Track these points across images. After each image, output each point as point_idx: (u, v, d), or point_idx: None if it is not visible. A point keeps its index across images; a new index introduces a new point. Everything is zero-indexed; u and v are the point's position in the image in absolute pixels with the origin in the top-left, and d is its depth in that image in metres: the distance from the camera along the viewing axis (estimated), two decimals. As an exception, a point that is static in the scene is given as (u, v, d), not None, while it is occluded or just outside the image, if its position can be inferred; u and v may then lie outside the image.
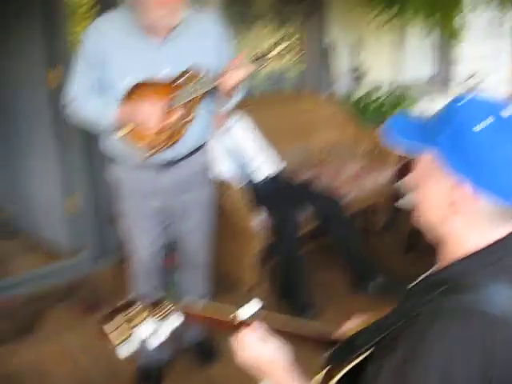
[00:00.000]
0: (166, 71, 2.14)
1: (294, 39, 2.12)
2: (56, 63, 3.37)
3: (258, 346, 1.21)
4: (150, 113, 2.05)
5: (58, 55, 3.36)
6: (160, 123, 2.09)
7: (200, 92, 2.11)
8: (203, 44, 2.21)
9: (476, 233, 1.02)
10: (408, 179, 1.12)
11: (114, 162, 2.35)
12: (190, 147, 2.29)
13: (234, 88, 2.12)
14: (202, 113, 2.24)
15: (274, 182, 3.53)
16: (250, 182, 3.42)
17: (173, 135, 2.16)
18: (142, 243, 2.43)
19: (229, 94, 2.18)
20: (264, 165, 3.57)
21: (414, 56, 5.52)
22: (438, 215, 1.05)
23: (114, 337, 1.03)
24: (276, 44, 2.12)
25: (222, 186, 3.09)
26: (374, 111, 4.65)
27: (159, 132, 2.11)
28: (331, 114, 4.37)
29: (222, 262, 3.39)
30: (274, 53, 2.11)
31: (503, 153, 0.96)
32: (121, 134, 2.16)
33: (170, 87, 2.13)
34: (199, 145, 2.35)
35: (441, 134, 1.01)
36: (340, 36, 4.73)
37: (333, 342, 1.35)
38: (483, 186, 0.97)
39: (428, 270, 1.15)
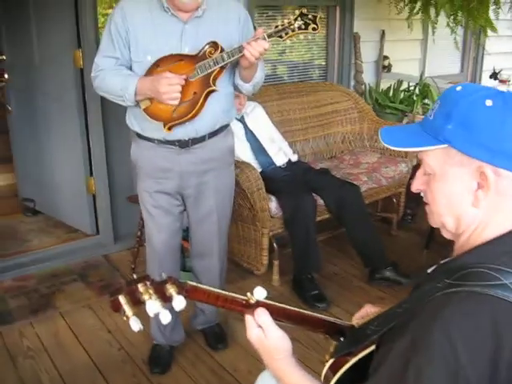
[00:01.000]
0: (187, 50, 2.17)
1: (313, 15, 2.11)
2: (82, 44, 3.41)
3: (265, 331, 1.20)
4: (170, 83, 2.06)
5: (85, 36, 3.39)
6: (180, 94, 2.10)
7: (222, 63, 2.12)
8: (226, 26, 2.25)
9: (500, 217, 1.01)
10: (417, 181, 1.10)
11: (136, 139, 2.38)
12: (210, 125, 2.30)
13: (257, 60, 2.11)
14: (222, 93, 2.25)
15: (290, 169, 3.53)
16: (265, 168, 3.43)
17: (193, 106, 2.17)
18: (158, 226, 2.44)
19: (251, 68, 2.19)
20: (279, 152, 3.57)
21: (441, 52, 5.46)
22: (459, 209, 1.03)
23: (124, 310, 1.04)
24: (296, 18, 2.10)
25: (241, 167, 3.11)
26: (405, 100, 4.61)
27: (180, 102, 2.13)
28: (351, 105, 4.35)
29: (235, 245, 3.43)
30: (295, 26, 2.10)
31: None
32: (142, 106, 2.19)
33: (193, 60, 2.15)
34: (220, 126, 2.35)
35: (447, 125, 1.00)
36: (365, 28, 4.70)
37: (341, 332, 1.35)
38: (504, 164, 0.96)
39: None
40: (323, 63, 4.82)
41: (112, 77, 2.20)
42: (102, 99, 3.42)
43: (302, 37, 2.18)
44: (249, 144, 3.43)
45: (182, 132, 2.24)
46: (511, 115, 0.96)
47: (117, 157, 3.75)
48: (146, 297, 1.04)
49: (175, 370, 2.60)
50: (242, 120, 3.44)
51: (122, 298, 1.05)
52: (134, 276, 1.09)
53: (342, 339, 1.33)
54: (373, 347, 1.19)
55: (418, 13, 4.18)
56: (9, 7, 3.81)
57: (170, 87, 2.06)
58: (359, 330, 1.27)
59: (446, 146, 1.01)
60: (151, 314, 1.03)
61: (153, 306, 1.03)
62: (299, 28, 2.11)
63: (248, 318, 1.20)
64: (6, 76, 4.07)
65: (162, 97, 2.09)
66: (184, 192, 2.41)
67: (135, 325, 1.04)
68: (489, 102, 0.97)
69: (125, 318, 1.05)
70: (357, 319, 1.41)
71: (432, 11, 4.15)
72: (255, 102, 3.59)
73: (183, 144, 2.29)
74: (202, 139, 2.31)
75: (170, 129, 2.20)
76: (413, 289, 1.16)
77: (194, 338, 2.82)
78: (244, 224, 3.34)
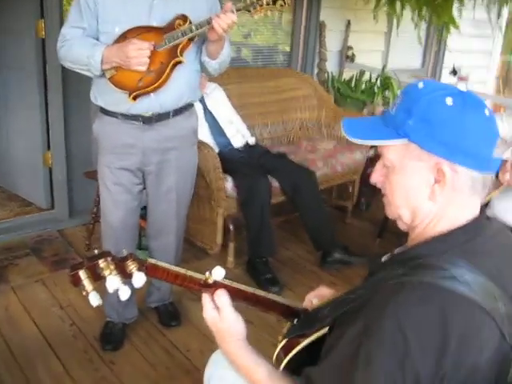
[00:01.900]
0: (155, 24, 2.18)
1: None
2: (45, 14, 3.34)
3: (220, 313, 1.23)
4: (139, 47, 2.07)
5: (48, 6, 3.32)
6: (147, 62, 2.11)
7: (190, 34, 2.14)
8: (194, 3, 2.25)
9: (454, 211, 1.05)
10: (377, 173, 1.14)
11: (99, 114, 2.37)
12: (174, 100, 2.30)
13: (225, 32, 2.13)
14: (188, 69, 2.27)
15: (247, 151, 3.57)
16: (223, 149, 3.45)
17: (159, 76, 2.17)
18: (115, 203, 2.43)
19: (218, 42, 2.22)
20: (237, 134, 3.60)
21: (403, 45, 5.55)
22: (416, 202, 1.07)
23: (84, 285, 1.05)
24: None
25: (199, 146, 3.10)
26: (366, 90, 4.67)
27: (146, 72, 2.13)
28: (311, 92, 4.40)
29: (189, 223, 3.44)
30: (263, 1, 2.13)
31: (473, 122, 1.00)
32: (108, 75, 2.18)
33: (161, 31, 2.16)
34: (184, 103, 2.36)
35: (408, 120, 1.03)
36: (331, 17, 4.74)
37: (295, 314, 1.39)
38: (461, 161, 1.00)
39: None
40: (287, 49, 4.84)
41: (78, 46, 2.18)
42: (64, 71, 3.37)
43: (269, 13, 2.22)
44: (207, 124, 3.44)
45: (146, 105, 2.24)
46: (470, 114, 1.00)
47: (76, 131, 3.69)
48: (106, 272, 1.05)
49: (127, 348, 2.60)
50: (201, 100, 3.43)
51: (82, 273, 1.06)
52: (95, 251, 1.10)
53: (295, 321, 1.37)
54: (325, 330, 1.23)
55: (384, 5, 4.24)
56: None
57: (138, 51, 2.07)
58: (313, 313, 1.31)
59: (405, 140, 1.04)
60: (111, 290, 1.04)
61: (113, 281, 1.04)
62: (267, 3, 2.15)
63: (205, 297, 1.23)
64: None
65: (130, 61, 2.09)
66: (145, 169, 2.41)
67: (94, 300, 1.05)
68: (449, 101, 1.00)
69: (84, 293, 1.06)
70: (311, 298, 1.45)
71: (398, 5, 4.21)
72: (215, 83, 3.60)
73: (147, 120, 2.29)
74: (166, 116, 2.31)
75: (134, 98, 2.19)
76: (367, 276, 1.20)
77: (147, 316, 2.83)
78: (199, 203, 3.35)
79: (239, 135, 3.61)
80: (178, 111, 2.35)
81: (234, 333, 1.23)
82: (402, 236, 1.19)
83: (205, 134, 3.40)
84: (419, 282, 0.96)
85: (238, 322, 1.23)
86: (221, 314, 1.22)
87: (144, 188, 2.50)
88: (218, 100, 3.59)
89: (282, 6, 2.16)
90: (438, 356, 0.92)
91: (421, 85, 1.06)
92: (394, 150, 1.07)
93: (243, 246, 3.36)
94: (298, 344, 1.27)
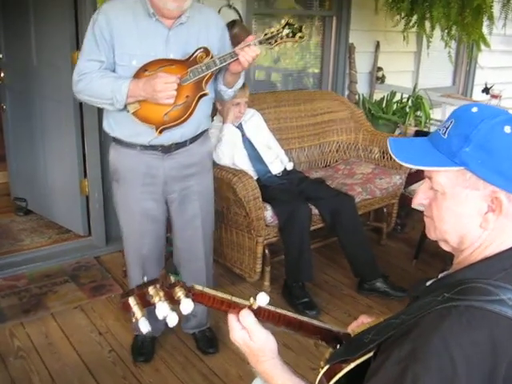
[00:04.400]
0: (172, 56, 2.20)
1: (299, 25, 2.22)
2: (80, 46, 3.42)
3: (250, 333, 1.21)
4: (166, 81, 2.08)
5: (83, 38, 3.39)
6: (174, 95, 2.12)
7: (214, 68, 2.17)
8: (208, 33, 2.30)
9: (504, 236, 1.04)
10: (421, 195, 1.11)
11: (115, 146, 2.39)
12: (194, 130, 2.35)
13: (249, 65, 2.18)
14: (206, 100, 2.30)
15: (286, 177, 3.56)
16: (261, 177, 3.46)
17: (186, 110, 2.20)
18: (142, 232, 2.45)
19: (238, 73, 2.28)
20: (276, 161, 3.60)
21: (433, 64, 5.54)
22: (465, 229, 1.05)
23: (134, 311, 1.06)
24: (284, 26, 2.18)
25: (238, 175, 3.13)
26: (397, 111, 4.66)
27: (172, 106, 2.15)
28: (348, 114, 4.39)
29: (228, 251, 3.44)
30: (283, 33, 2.18)
31: None
32: (131, 109, 2.19)
33: (184, 64, 2.18)
34: (201, 130, 2.41)
35: (465, 148, 1.01)
36: (360, 39, 4.78)
37: (337, 339, 1.38)
38: None
39: (435, 275, 1.16)
40: (317, 71, 4.87)
41: (100, 79, 2.18)
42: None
43: (289, 45, 2.28)
44: (246, 151, 3.45)
45: (167, 136, 2.26)
46: None
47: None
48: (156, 299, 1.06)
49: (165, 373, 2.61)
50: (239, 128, 3.45)
51: (131, 300, 1.08)
52: (145, 279, 1.11)
53: (338, 346, 1.36)
54: (368, 355, 1.22)
55: (413, 26, 4.24)
56: (8, 7, 3.83)
57: (166, 85, 2.08)
58: (356, 338, 1.30)
59: (461, 168, 1.02)
60: (161, 317, 1.06)
61: (162, 308, 1.06)
62: (287, 36, 2.20)
63: (232, 319, 1.21)
64: (2, 75, 4.09)
65: (157, 95, 2.10)
66: (168, 197, 2.45)
67: (144, 326, 1.07)
68: (507, 129, 0.99)
69: (134, 320, 1.07)
70: (352, 329, 1.44)
71: (427, 25, 4.20)
72: (253, 109, 3.62)
73: (166, 149, 2.32)
74: (183, 144, 2.35)
75: (161, 132, 2.21)
76: (411, 301, 1.19)
77: (185, 341, 2.83)
78: (238, 231, 3.35)
79: (278, 161, 3.61)
80: (195, 138, 2.40)
81: (267, 351, 1.21)
82: (445, 257, 1.18)
83: (244, 162, 3.43)
84: (466, 307, 0.95)
85: (269, 340, 1.22)
86: (251, 333, 1.20)
87: (167, 216, 2.53)
88: (256, 126, 3.60)
89: (300, 37, 2.22)
90: (487, 381, 0.90)
91: (475, 109, 1.04)
92: (446, 176, 1.04)
93: (278, 270, 3.35)
94: (341, 369, 1.26)
